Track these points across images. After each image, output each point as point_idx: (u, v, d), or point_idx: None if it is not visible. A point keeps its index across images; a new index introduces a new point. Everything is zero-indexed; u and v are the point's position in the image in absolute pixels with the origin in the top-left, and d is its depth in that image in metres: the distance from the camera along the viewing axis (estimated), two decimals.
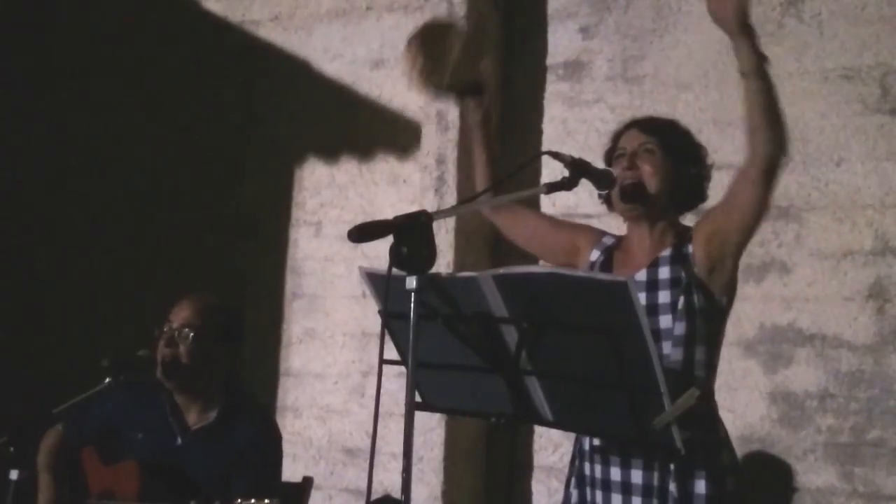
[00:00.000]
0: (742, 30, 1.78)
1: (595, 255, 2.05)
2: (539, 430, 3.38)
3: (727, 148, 3.23)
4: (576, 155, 1.88)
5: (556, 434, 3.25)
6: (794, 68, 3.16)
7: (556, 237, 2.10)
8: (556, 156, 1.87)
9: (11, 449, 2.22)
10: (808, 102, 3.13)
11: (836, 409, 3.00)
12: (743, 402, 3.10)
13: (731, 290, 1.94)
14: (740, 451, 3.03)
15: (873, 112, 3.04)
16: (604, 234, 2.09)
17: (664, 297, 1.87)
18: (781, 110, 1.84)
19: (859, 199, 3.04)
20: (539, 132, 3.53)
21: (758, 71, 1.80)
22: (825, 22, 3.13)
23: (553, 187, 1.90)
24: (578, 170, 1.84)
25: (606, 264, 2.02)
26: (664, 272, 1.90)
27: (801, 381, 3.06)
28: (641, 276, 1.91)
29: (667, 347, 1.83)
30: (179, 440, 2.45)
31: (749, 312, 3.13)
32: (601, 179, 1.90)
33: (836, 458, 2.98)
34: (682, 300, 1.85)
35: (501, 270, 1.66)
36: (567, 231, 2.10)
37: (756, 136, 1.86)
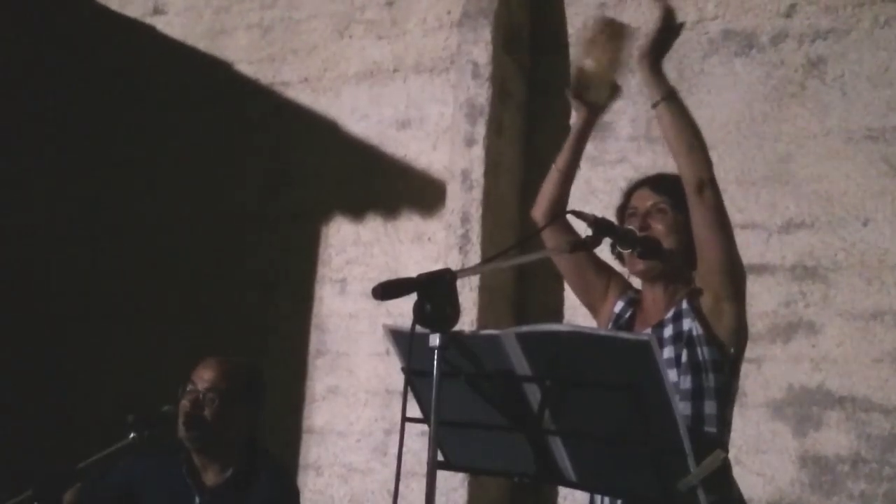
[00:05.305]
0: (653, 66, 1.92)
1: (619, 306, 2.05)
2: (564, 489, 3.33)
3: (752, 207, 3.24)
4: (599, 214, 1.89)
5: (580, 493, 3.20)
6: (818, 129, 3.17)
7: (596, 278, 2.09)
8: (579, 215, 1.88)
9: None
10: (832, 163, 3.13)
11: (868, 473, 2.93)
12: (773, 465, 3.04)
13: (738, 341, 1.88)
14: None
15: None
16: (630, 286, 2.09)
17: (668, 352, 1.86)
18: (697, 130, 1.89)
19: (887, 260, 3.02)
20: None
21: (668, 98, 1.89)
22: (848, 83, 3.14)
23: (576, 246, 1.90)
24: (601, 229, 1.85)
25: (630, 320, 2.01)
26: (668, 330, 1.89)
27: (832, 444, 2.99)
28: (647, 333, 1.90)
29: None
30: (198, 500, 2.43)
31: (777, 374, 3.09)
32: (624, 239, 1.91)
33: None
34: (685, 353, 1.84)
35: (524, 328, 1.66)
36: (605, 275, 2.10)
37: (679, 161, 1.89)
